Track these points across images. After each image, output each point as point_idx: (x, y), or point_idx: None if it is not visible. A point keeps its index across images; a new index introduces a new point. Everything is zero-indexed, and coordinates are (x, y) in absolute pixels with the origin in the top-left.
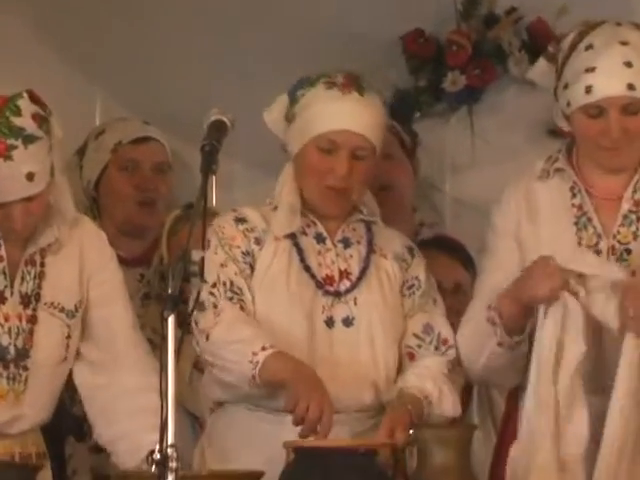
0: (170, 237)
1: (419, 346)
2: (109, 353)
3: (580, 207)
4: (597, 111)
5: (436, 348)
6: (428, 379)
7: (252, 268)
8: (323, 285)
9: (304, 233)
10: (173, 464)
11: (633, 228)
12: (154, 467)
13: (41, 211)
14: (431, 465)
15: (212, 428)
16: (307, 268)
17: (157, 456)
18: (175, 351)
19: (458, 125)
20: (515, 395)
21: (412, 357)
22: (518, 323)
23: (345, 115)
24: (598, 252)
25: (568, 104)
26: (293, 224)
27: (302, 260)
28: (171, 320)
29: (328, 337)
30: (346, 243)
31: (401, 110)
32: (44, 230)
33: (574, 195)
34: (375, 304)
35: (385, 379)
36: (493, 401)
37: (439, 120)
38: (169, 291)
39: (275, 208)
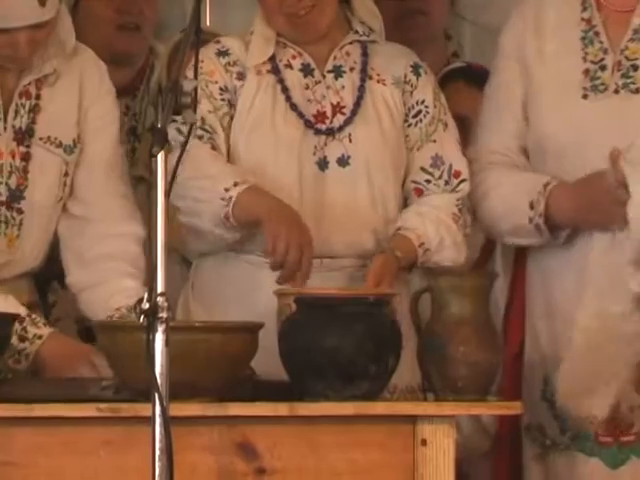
0: (171, 65)
1: (427, 181)
2: (87, 198)
3: (589, 21)
4: None
5: (446, 183)
6: (431, 223)
7: (232, 106)
8: (313, 124)
9: (289, 66)
10: (163, 314)
11: None
12: (142, 317)
13: (47, 40)
14: (446, 316)
15: (195, 279)
16: (293, 106)
17: (145, 305)
18: (166, 191)
19: None
20: None
21: (420, 193)
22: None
23: None
24: (603, 67)
25: None
26: (265, 53)
27: (288, 98)
28: (160, 157)
29: (321, 180)
30: (337, 72)
31: None
32: (42, 60)
33: (585, 8)
34: (373, 139)
35: (384, 222)
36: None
37: None
38: (158, 125)
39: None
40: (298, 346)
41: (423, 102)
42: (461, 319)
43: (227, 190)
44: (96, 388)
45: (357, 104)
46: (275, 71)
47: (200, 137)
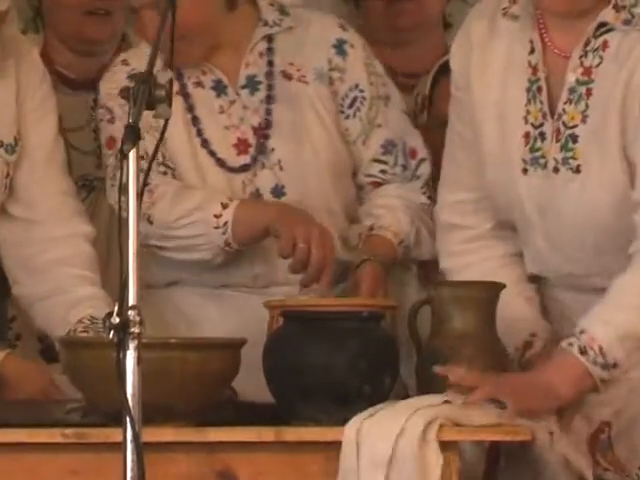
0: None
1: (383, 172)
2: (28, 198)
3: (535, 69)
4: None
5: (404, 167)
6: (405, 216)
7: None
8: (224, 163)
9: (199, 84)
10: (135, 329)
11: (582, 106)
12: (112, 333)
13: None
14: (448, 330)
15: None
16: (205, 142)
17: (115, 319)
18: (138, 193)
19: None
20: None
21: (378, 186)
22: None
23: None
24: (542, 135)
25: None
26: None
27: (199, 133)
28: (132, 156)
29: None
30: (252, 86)
31: None
32: None
33: (532, 50)
34: (304, 162)
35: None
36: None
37: None
38: (130, 120)
39: None
40: (285, 364)
41: (357, 87)
42: (465, 334)
43: (218, 217)
44: (61, 411)
45: (267, 122)
46: (183, 93)
47: (164, 173)
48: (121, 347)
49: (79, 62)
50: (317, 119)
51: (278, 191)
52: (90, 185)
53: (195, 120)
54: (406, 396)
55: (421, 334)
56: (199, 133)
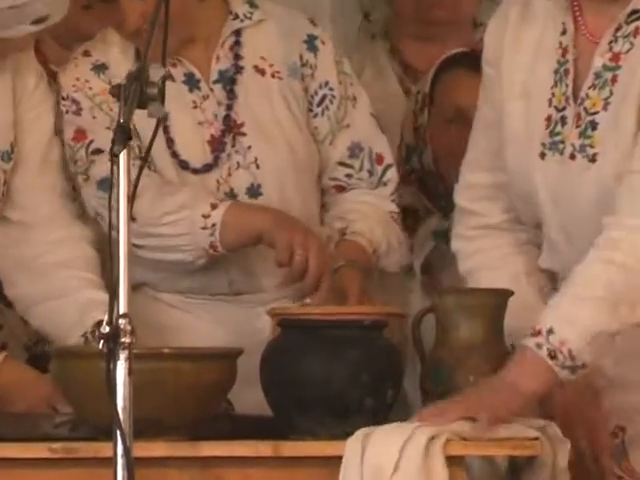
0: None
1: (348, 176)
2: (25, 202)
3: (565, 51)
4: None
5: (370, 173)
6: (378, 224)
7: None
8: (187, 164)
9: (169, 76)
10: (126, 339)
11: (606, 92)
12: (101, 343)
13: None
14: (454, 340)
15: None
16: (170, 142)
17: (105, 329)
18: (129, 196)
19: None
20: None
21: (341, 190)
22: None
23: None
24: (563, 120)
25: None
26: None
27: (165, 131)
28: (123, 157)
29: None
30: (224, 81)
31: None
32: None
33: (564, 31)
34: (282, 160)
35: None
36: None
37: None
38: (120, 119)
39: None
40: (282, 376)
41: (327, 84)
42: (471, 344)
43: (206, 217)
44: (49, 425)
45: (242, 119)
46: None
47: (149, 167)
48: (111, 358)
49: None
50: (291, 117)
51: (254, 191)
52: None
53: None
54: (408, 410)
55: (425, 344)
56: (165, 131)
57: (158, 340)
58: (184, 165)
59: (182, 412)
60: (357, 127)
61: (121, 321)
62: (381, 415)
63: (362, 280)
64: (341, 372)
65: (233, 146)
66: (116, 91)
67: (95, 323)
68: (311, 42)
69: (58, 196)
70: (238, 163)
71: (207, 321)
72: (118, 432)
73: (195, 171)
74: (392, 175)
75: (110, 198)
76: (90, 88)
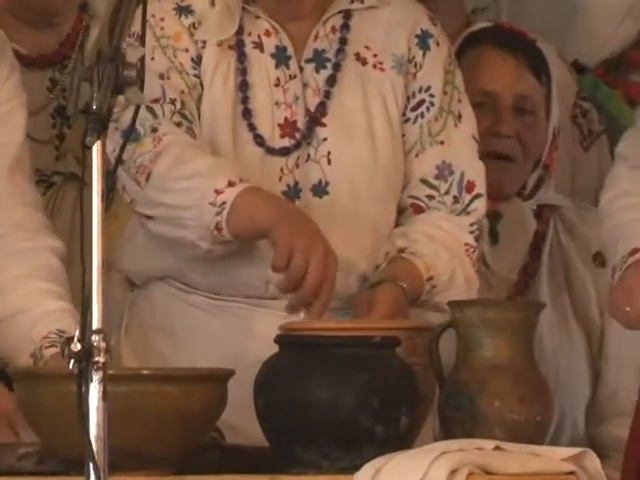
0: (113, 27)
1: (430, 197)
2: None
3: None
4: None
5: (455, 200)
6: (445, 252)
7: (202, 86)
8: (263, 141)
9: (259, 46)
10: (100, 358)
11: None
12: (72, 363)
13: None
14: (477, 360)
15: (130, 318)
16: (247, 113)
17: (76, 346)
18: (102, 194)
19: None
20: None
21: (420, 211)
22: None
23: None
24: None
25: None
26: (225, 29)
27: (244, 101)
28: (96, 148)
29: None
30: (319, 62)
31: None
32: None
33: None
34: (359, 160)
35: (374, 267)
36: (571, 266)
37: None
38: (93, 106)
39: None
40: (280, 400)
41: (428, 89)
42: (496, 364)
43: (219, 192)
44: (11, 456)
45: (321, 107)
46: (239, 49)
47: (178, 124)
48: (83, 379)
49: (35, 36)
50: (385, 113)
51: (320, 189)
52: (48, 181)
53: (243, 85)
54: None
55: (444, 364)
56: (244, 101)
57: (169, 350)
58: (260, 141)
59: (165, 442)
60: (453, 147)
61: (94, 337)
62: (394, 445)
63: (400, 300)
64: (348, 396)
65: (307, 136)
66: (87, 75)
67: (65, 340)
68: (424, 39)
69: (26, 205)
70: (309, 155)
71: (236, 330)
72: (91, 465)
73: (270, 150)
74: (479, 206)
75: (82, 195)
76: (162, 28)
